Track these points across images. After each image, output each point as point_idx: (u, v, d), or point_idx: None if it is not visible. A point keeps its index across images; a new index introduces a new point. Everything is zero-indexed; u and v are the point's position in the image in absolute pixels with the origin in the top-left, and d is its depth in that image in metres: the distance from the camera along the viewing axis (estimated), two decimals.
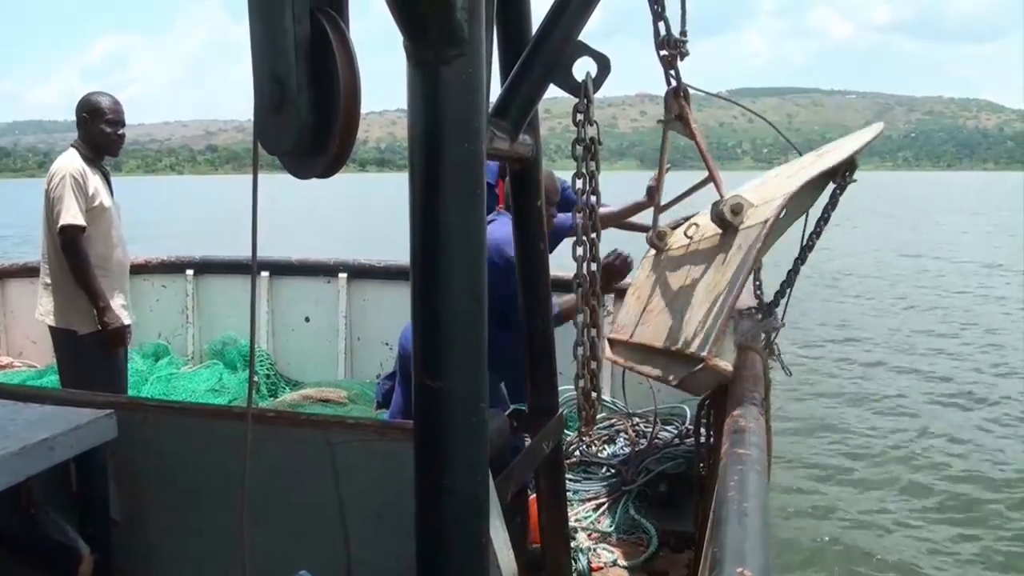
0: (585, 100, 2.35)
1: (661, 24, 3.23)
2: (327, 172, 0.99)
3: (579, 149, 2.44)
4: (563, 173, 3.67)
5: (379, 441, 1.83)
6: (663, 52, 3.30)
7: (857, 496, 6.52)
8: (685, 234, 3.69)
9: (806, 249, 3.18)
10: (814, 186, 3.05)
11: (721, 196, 3.20)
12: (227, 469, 1.55)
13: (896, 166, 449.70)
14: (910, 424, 8.30)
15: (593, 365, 2.60)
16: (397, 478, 1.39)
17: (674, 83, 3.43)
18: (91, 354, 4.07)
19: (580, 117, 2.38)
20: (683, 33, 3.28)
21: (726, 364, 2.68)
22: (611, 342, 3.93)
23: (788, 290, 3.27)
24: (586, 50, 2.33)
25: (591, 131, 2.41)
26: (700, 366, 2.69)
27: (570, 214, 4.72)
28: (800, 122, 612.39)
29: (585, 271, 2.54)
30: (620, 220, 4.92)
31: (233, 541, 1.39)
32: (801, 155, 3.78)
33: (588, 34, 2.35)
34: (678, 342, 2.97)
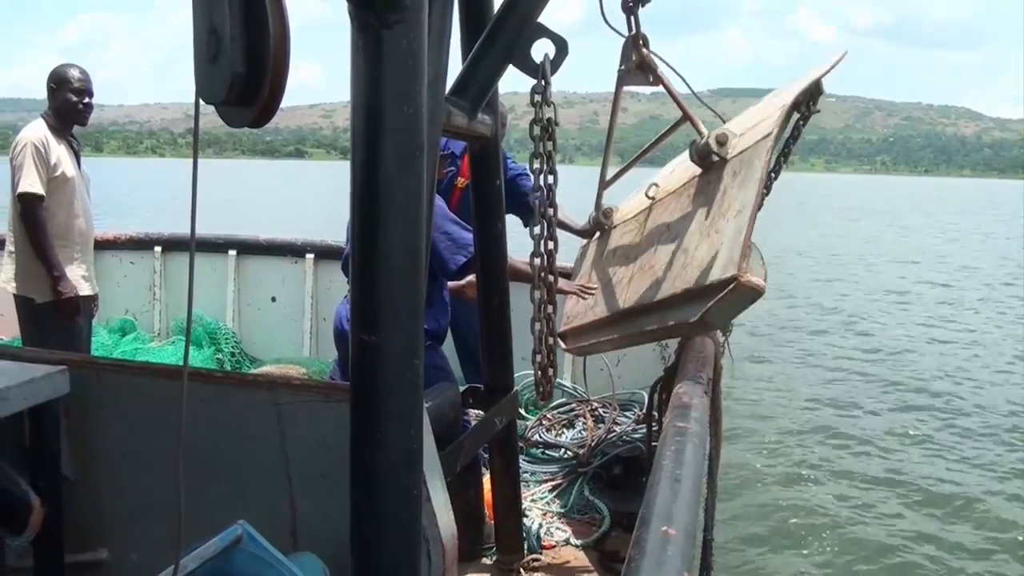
0: (543, 81, 2.39)
1: None
2: (258, 121, 1.03)
3: (536, 129, 2.49)
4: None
5: (324, 402, 1.87)
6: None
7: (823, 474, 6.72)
8: (647, 195, 3.76)
9: (770, 179, 3.03)
10: (786, 115, 2.96)
11: (701, 134, 3.17)
12: (177, 428, 1.59)
13: (874, 170, 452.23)
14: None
15: (551, 341, 2.66)
16: (342, 439, 1.43)
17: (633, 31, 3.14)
18: (49, 323, 4.06)
19: (538, 98, 2.43)
20: None
21: (759, 280, 2.50)
22: (563, 336, 3.99)
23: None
24: (545, 32, 2.37)
25: (548, 112, 2.46)
26: (731, 286, 2.48)
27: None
28: None
29: (542, 249, 2.59)
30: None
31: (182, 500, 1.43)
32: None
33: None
34: (686, 283, 2.83)
